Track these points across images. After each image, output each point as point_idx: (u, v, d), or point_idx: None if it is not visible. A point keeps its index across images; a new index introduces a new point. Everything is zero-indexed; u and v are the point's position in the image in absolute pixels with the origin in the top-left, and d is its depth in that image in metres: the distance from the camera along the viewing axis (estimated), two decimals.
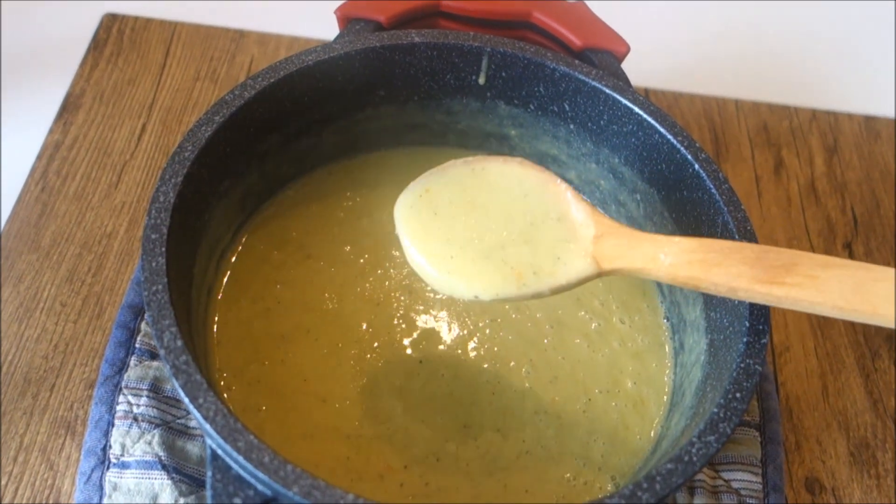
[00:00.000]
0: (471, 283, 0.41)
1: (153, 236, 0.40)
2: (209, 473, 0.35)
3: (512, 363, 0.49)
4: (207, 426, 0.35)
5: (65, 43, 0.71)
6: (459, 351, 0.50)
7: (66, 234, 0.59)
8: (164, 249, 0.40)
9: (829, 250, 0.67)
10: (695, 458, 0.37)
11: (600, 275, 0.41)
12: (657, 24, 0.82)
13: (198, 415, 0.36)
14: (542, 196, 0.43)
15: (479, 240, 0.42)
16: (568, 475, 0.46)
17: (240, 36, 0.73)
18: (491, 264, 0.41)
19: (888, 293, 0.37)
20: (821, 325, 0.62)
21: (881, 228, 0.69)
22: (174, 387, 0.37)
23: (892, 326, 0.38)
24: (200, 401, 0.36)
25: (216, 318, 0.49)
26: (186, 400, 0.36)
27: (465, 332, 0.50)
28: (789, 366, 0.60)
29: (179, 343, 0.37)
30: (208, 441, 0.36)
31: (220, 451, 0.35)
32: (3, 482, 0.48)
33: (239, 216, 0.51)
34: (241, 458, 0.34)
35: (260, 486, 0.35)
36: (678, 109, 0.74)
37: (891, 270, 0.38)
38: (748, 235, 0.45)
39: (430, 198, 0.43)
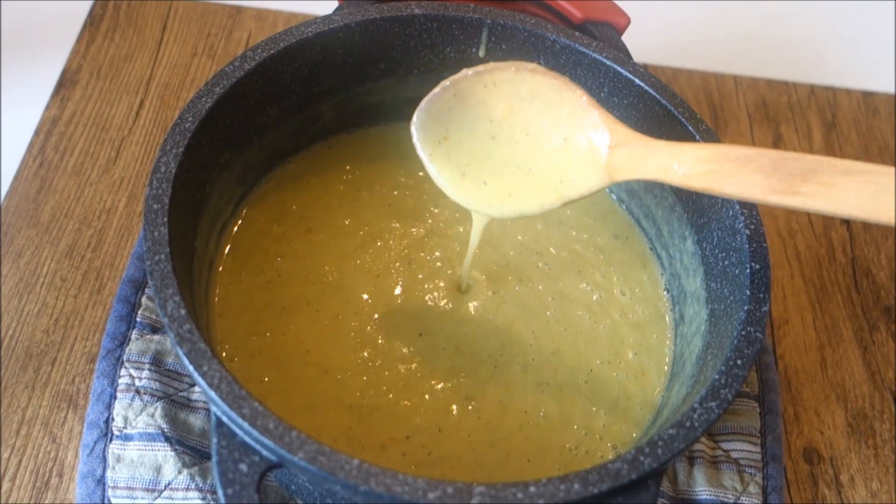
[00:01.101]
0: (488, 203, 0.44)
1: (155, 206, 0.40)
2: (214, 440, 0.36)
3: (514, 336, 0.50)
4: (212, 393, 0.35)
5: (60, 19, 0.70)
6: (460, 323, 0.50)
7: (65, 210, 0.59)
8: (165, 219, 0.40)
9: (828, 225, 0.67)
10: (696, 424, 0.38)
11: (613, 183, 0.42)
12: None
13: (202, 382, 0.36)
14: (556, 106, 0.42)
15: (494, 161, 0.44)
16: (569, 445, 0.46)
17: (237, 12, 0.73)
18: (504, 184, 0.43)
19: None
20: (819, 299, 0.62)
21: None
22: (178, 355, 0.37)
23: None
24: (205, 368, 0.36)
25: (217, 291, 0.49)
26: (191, 368, 0.36)
27: (467, 303, 0.51)
28: (788, 338, 0.60)
29: (183, 312, 0.37)
30: (213, 408, 0.36)
31: (224, 419, 0.36)
32: (6, 455, 0.49)
33: (239, 189, 0.51)
34: (246, 425, 0.35)
35: (265, 452, 0.35)
36: (677, 85, 0.74)
37: None
38: (749, 204, 0.45)
39: (448, 146, 0.44)
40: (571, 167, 0.42)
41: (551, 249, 0.53)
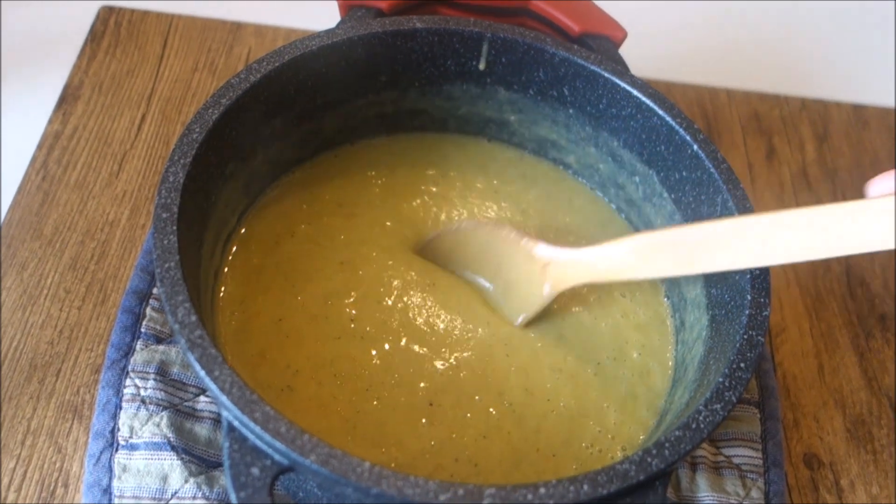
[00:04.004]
0: None
1: (164, 215, 0.41)
2: (226, 445, 0.36)
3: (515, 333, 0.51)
4: (224, 398, 0.36)
5: (62, 35, 0.71)
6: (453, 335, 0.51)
7: (69, 223, 0.59)
8: (175, 228, 0.40)
9: None
10: (702, 426, 0.38)
11: (560, 292, 0.49)
12: (649, 14, 0.83)
13: (214, 387, 0.36)
14: (506, 248, 0.51)
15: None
16: (585, 443, 0.46)
17: (237, 28, 0.74)
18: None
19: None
20: (815, 307, 0.63)
21: None
22: (189, 361, 0.37)
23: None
24: (216, 373, 0.36)
25: (222, 300, 0.49)
26: (202, 373, 0.36)
27: (450, 313, 0.51)
28: (786, 346, 0.61)
29: (193, 318, 0.38)
30: (224, 413, 0.36)
31: (236, 423, 0.36)
32: (11, 465, 0.49)
33: (244, 199, 0.52)
34: (257, 429, 0.35)
35: (277, 456, 0.35)
36: (671, 98, 0.75)
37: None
38: (747, 212, 0.46)
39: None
40: (530, 289, 0.50)
41: None
